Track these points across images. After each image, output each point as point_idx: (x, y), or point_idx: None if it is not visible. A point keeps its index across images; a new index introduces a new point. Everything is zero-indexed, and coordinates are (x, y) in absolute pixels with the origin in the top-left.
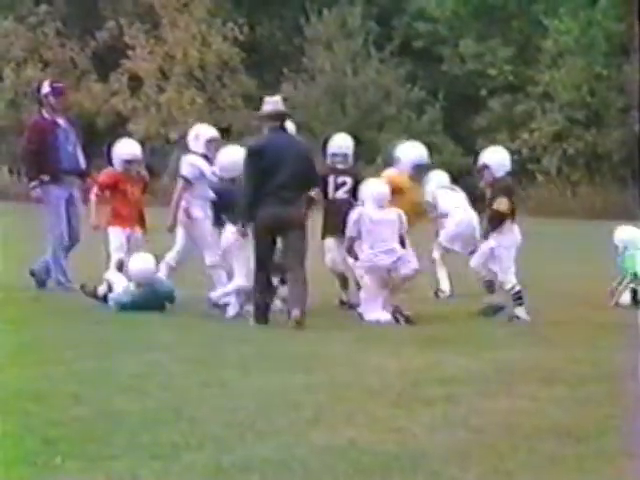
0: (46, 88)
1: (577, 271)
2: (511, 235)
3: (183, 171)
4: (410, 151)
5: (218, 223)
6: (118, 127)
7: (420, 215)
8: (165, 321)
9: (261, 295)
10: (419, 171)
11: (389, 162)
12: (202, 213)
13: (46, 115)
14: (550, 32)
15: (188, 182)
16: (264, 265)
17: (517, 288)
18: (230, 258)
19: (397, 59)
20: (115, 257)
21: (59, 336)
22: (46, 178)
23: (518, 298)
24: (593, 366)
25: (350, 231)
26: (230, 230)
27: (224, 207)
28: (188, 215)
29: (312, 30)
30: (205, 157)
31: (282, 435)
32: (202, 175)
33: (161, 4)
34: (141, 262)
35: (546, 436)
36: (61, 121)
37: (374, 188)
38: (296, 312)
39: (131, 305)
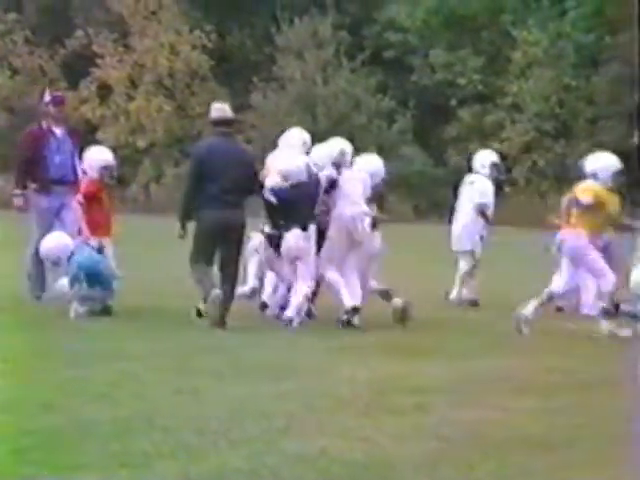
0: (47, 97)
1: (547, 280)
2: (369, 244)
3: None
4: (608, 161)
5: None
6: (87, 135)
7: (617, 226)
8: (137, 330)
9: (208, 295)
10: (617, 179)
11: (580, 176)
12: None
13: (43, 124)
14: (519, 43)
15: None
16: (204, 266)
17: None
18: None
19: (368, 69)
20: None
21: (30, 345)
22: (34, 187)
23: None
24: (564, 376)
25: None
26: (295, 234)
27: (284, 213)
28: None
29: (283, 39)
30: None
31: (254, 444)
32: None
33: (130, 12)
34: (54, 241)
35: (517, 446)
36: (58, 130)
37: (329, 150)
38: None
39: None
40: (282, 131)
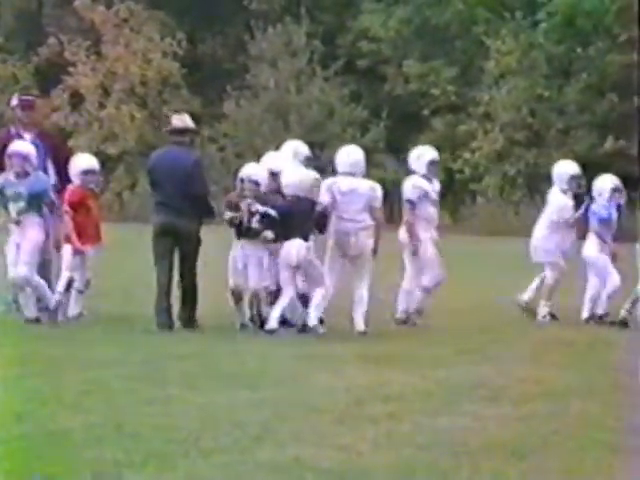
0: (14, 101)
1: (520, 289)
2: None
3: (408, 194)
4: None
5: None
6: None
7: None
8: (108, 338)
9: (160, 300)
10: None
11: None
12: (426, 234)
13: (12, 129)
14: (492, 52)
15: (413, 204)
16: (161, 271)
17: None
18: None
19: (341, 78)
20: (66, 275)
21: (1, 353)
22: None
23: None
24: (536, 384)
25: (323, 198)
26: (295, 244)
27: (284, 225)
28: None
29: (256, 47)
30: (426, 178)
31: (227, 453)
32: (425, 196)
33: (101, 20)
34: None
35: (490, 453)
36: (27, 136)
37: (348, 154)
38: (181, 311)
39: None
40: (255, 139)
